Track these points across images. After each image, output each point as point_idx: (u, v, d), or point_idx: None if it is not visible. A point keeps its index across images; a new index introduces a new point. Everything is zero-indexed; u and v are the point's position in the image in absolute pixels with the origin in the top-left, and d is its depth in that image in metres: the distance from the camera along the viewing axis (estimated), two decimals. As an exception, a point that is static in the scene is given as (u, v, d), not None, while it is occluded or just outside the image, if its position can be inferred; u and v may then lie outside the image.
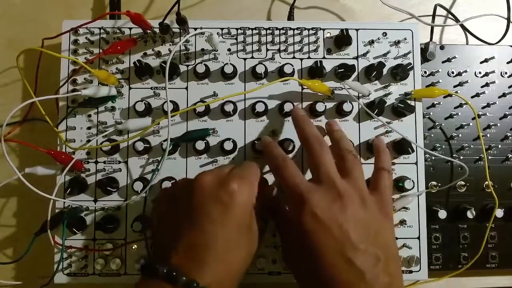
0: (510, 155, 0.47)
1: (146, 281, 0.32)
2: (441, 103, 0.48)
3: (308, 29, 0.45)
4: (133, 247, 0.43)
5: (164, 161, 0.42)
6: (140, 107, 0.43)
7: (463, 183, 0.47)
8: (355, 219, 0.34)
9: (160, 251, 0.36)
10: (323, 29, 0.45)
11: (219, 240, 0.33)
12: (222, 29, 0.45)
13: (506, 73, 0.49)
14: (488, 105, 0.48)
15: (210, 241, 0.32)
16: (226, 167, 0.38)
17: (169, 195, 0.39)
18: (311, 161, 0.37)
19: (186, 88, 0.45)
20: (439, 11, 0.51)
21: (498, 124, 0.48)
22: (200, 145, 0.42)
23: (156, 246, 0.39)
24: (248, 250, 0.35)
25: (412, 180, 0.43)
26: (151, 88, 0.44)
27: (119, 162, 0.44)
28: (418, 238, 0.44)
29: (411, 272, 0.44)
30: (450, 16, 0.52)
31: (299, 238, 0.34)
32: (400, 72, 0.44)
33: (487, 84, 0.48)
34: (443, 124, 0.47)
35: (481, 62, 0.49)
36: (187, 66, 0.45)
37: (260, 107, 0.43)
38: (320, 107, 0.43)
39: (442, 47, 0.49)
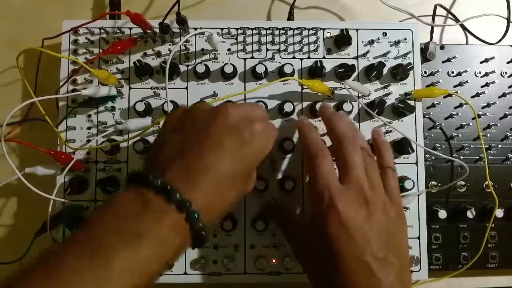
0: (510, 155, 0.47)
1: (134, 190, 0.28)
2: (441, 103, 0.48)
3: (308, 29, 0.45)
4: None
5: (164, 161, 0.42)
6: (140, 107, 0.43)
7: (463, 183, 0.47)
8: (377, 227, 0.35)
9: (153, 165, 0.32)
10: (323, 29, 0.45)
11: (220, 170, 0.30)
12: (222, 29, 0.45)
13: (506, 73, 0.49)
14: (488, 105, 0.48)
15: (212, 168, 0.30)
16: (256, 107, 0.36)
17: (186, 112, 0.36)
18: (341, 159, 0.37)
19: (186, 88, 0.45)
20: (439, 11, 0.51)
21: (498, 124, 0.48)
22: (200, 145, 0.42)
23: (152, 159, 0.34)
24: (241, 192, 0.34)
25: (412, 180, 0.43)
26: (151, 88, 0.44)
27: (119, 162, 0.44)
28: (418, 238, 0.44)
29: (411, 272, 0.44)
30: (450, 16, 0.52)
31: (320, 238, 0.35)
32: (400, 72, 0.44)
33: (487, 84, 0.48)
34: (443, 124, 0.47)
35: (481, 62, 0.49)
36: (187, 66, 0.45)
37: (260, 107, 0.43)
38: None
39: (442, 47, 0.49)
